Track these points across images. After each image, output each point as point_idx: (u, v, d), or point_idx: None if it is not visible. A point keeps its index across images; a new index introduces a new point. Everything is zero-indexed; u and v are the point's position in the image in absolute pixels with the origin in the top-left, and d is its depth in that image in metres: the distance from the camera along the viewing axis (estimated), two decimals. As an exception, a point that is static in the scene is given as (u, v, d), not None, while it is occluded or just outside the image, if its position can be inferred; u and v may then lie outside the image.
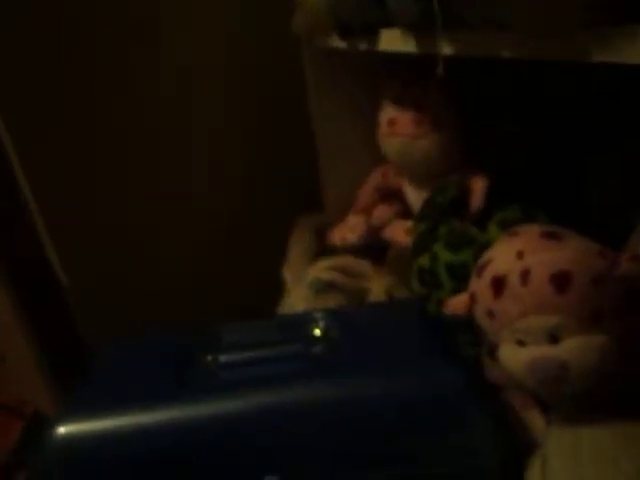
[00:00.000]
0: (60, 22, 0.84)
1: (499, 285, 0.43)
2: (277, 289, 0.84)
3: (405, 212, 0.83)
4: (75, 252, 0.92)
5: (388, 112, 0.77)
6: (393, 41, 0.59)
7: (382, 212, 0.85)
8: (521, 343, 0.43)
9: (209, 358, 0.51)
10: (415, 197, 0.80)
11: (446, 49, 0.50)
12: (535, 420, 0.47)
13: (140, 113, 0.92)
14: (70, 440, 0.44)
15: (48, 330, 0.94)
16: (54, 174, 0.88)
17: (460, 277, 0.56)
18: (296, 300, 0.74)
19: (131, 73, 0.90)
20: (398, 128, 0.75)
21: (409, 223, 0.74)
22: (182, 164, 0.98)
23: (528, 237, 0.45)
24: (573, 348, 0.40)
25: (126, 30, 0.87)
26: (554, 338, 0.41)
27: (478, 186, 0.69)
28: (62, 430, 0.44)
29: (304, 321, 0.57)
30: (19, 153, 0.86)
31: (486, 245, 0.51)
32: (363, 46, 0.66)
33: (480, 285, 0.46)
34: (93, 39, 0.86)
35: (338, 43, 0.71)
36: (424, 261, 0.61)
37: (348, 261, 0.77)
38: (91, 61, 0.87)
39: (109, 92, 0.89)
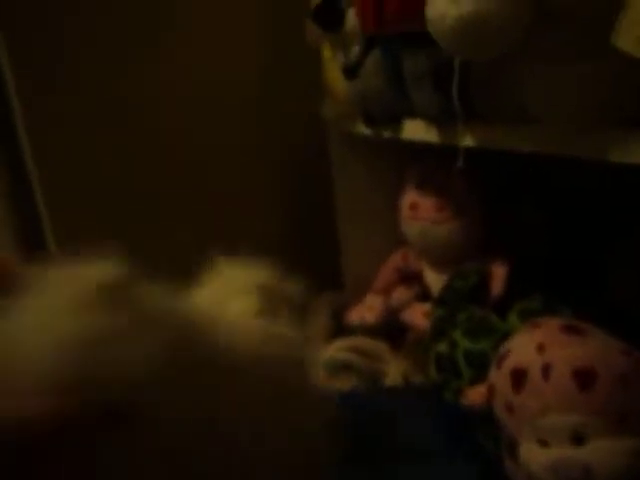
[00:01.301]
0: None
1: (519, 378, 0.42)
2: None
3: (424, 295, 0.82)
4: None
5: (410, 196, 0.78)
6: (416, 131, 0.61)
7: (401, 294, 0.85)
8: (543, 442, 0.41)
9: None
10: (435, 280, 0.79)
11: (467, 141, 0.51)
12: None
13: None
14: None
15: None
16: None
17: (479, 366, 0.54)
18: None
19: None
20: (420, 213, 0.76)
21: (428, 306, 0.73)
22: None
23: (549, 330, 0.44)
24: (597, 451, 0.39)
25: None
26: (578, 438, 0.39)
27: (499, 272, 0.69)
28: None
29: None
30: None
31: (506, 335, 0.50)
32: (387, 134, 0.68)
33: (499, 377, 0.45)
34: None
35: (363, 130, 0.73)
36: (442, 347, 0.60)
37: (364, 342, 0.76)
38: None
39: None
